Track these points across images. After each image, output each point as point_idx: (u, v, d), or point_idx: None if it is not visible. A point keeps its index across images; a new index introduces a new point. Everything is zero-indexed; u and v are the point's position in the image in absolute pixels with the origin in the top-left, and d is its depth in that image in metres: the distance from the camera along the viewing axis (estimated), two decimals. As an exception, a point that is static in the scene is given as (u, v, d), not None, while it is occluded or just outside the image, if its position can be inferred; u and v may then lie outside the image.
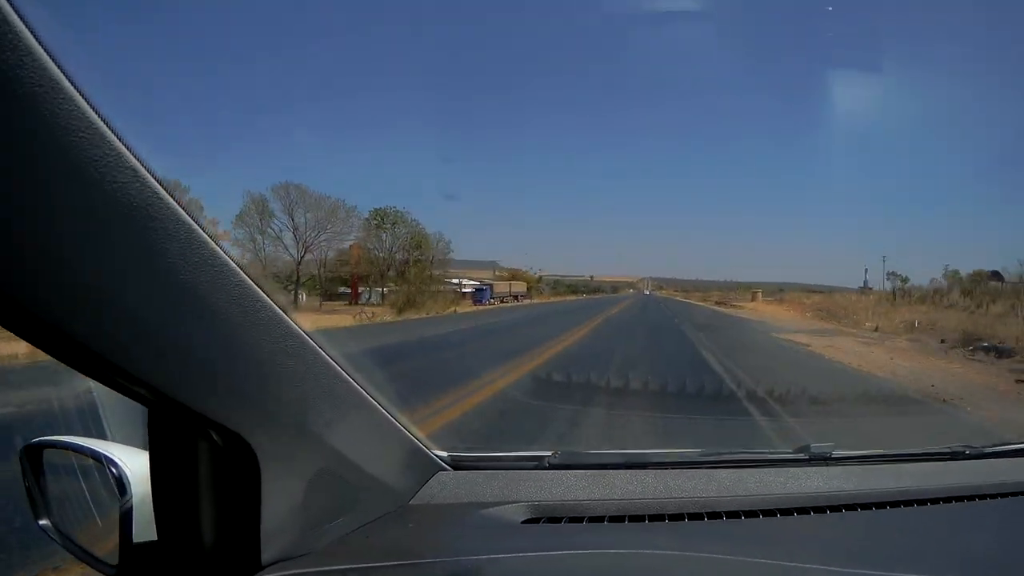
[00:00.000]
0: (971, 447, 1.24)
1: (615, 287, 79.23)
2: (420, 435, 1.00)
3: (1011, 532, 0.99)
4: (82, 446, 0.82)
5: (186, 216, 0.51)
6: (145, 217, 0.48)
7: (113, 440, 0.85)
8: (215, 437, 0.65)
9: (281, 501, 0.71)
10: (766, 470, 1.12)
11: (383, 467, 0.91)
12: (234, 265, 0.56)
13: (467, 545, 0.85)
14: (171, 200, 0.50)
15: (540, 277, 51.37)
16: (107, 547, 0.75)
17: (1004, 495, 1.10)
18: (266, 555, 0.70)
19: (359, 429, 0.85)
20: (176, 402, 0.57)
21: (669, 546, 0.85)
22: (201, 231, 0.52)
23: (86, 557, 0.78)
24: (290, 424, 0.71)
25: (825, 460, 1.15)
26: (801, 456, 1.15)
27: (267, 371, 0.64)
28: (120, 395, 0.56)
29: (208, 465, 0.67)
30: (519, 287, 41.79)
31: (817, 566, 0.76)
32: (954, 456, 1.23)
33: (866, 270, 41.49)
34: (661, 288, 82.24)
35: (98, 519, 0.80)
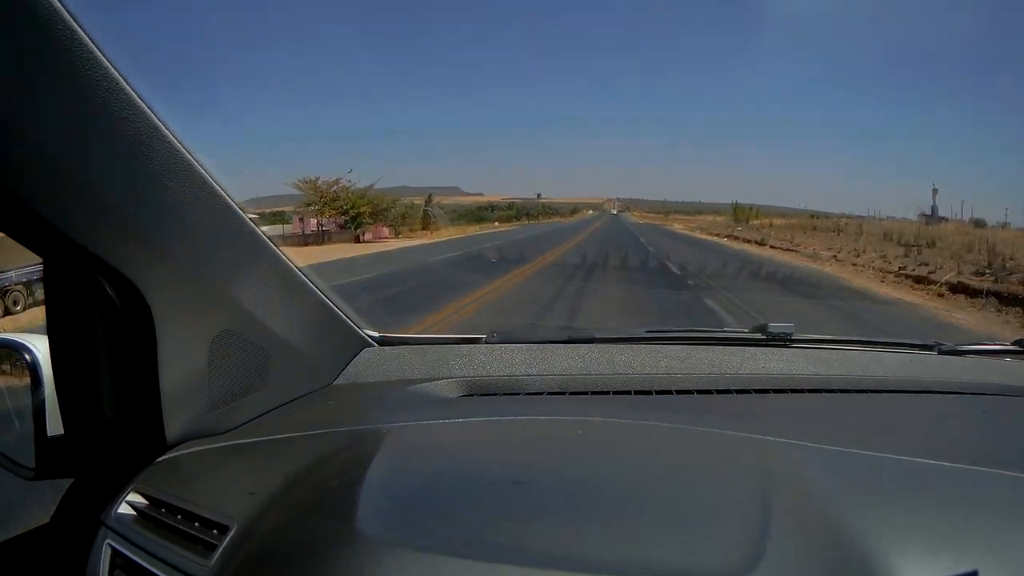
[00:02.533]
0: (942, 344, 1.21)
1: (576, 208, 62.05)
2: (345, 307, 0.95)
3: (977, 425, 0.95)
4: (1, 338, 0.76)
5: (99, 53, 0.51)
6: (54, 48, 0.47)
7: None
8: (109, 291, 0.61)
9: (182, 365, 0.66)
10: (720, 348, 1.08)
11: (301, 337, 0.85)
12: (127, 86, 0.54)
13: (393, 417, 0.81)
14: (83, 34, 0.49)
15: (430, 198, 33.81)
16: (29, 449, 0.68)
17: (975, 393, 1.04)
18: (171, 432, 0.67)
19: (269, 286, 0.78)
20: (63, 240, 0.54)
21: (613, 415, 0.80)
22: (110, 66, 0.52)
23: (4, 461, 0.72)
24: (184, 264, 0.65)
25: (785, 342, 1.11)
26: (758, 336, 1.11)
27: (154, 194, 0.59)
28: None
29: (103, 330, 0.62)
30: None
31: (782, 439, 0.71)
32: (924, 348, 1.20)
33: (935, 189, 29.57)
34: (629, 209, 65.27)
35: (15, 421, 0.73)
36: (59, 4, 0.48)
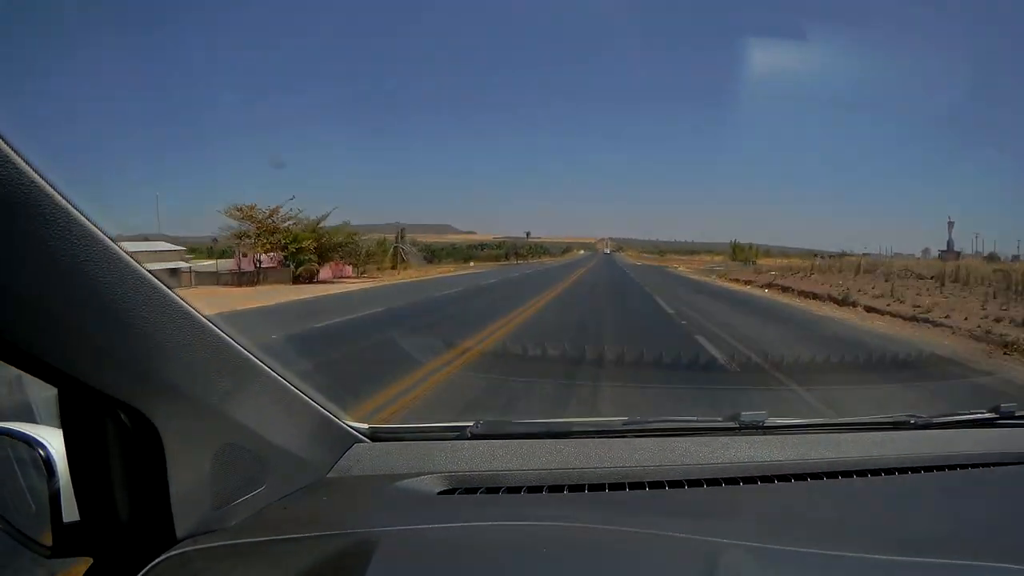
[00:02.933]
0: (917, 416, 1.20)
1: (567, 248, 58.28)
2: (332, 407, 1.00)
3: (953, 504, 0.98)
4: (12, 430, 0.83)
5: (61, 199, 0.54)
6: (23, 203, 0.52)
7: (42, 423, 0.85)
8: (122, 416, 0.68)
9: (188, 475, 0.73)
10: (693, 439, 1.10)
11: (294, 440, 0.91)
12: (108, 241, 0.59)
13: (379, 517, 0.87)
14: (45, 185, 0.53)
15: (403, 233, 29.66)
16: (44, 529, 0.76)
17: (950, 467, 1.07)
18: (180, 529, 0.73)
19: (262, 401, 0.85)
20: (75, 379, 0.61)
21: (585, 518, 0.85)
22: (75, 211, 0.56)
23: (24, 540, 0.79)
24: (186, 396, 0.72)
25: (757, 428, 1.12)
26: (731, 424, 1.13)
27: (152, 342, 0.66)
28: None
29: (117, 444, 0.69)
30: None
31: (741, 541, 0.75)
32: (897, 426, 1.20)
33: (951, 223, 25.18)
34: (622, 249, 61.82)
35: (31, 503, 0.80)
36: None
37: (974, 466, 1.08)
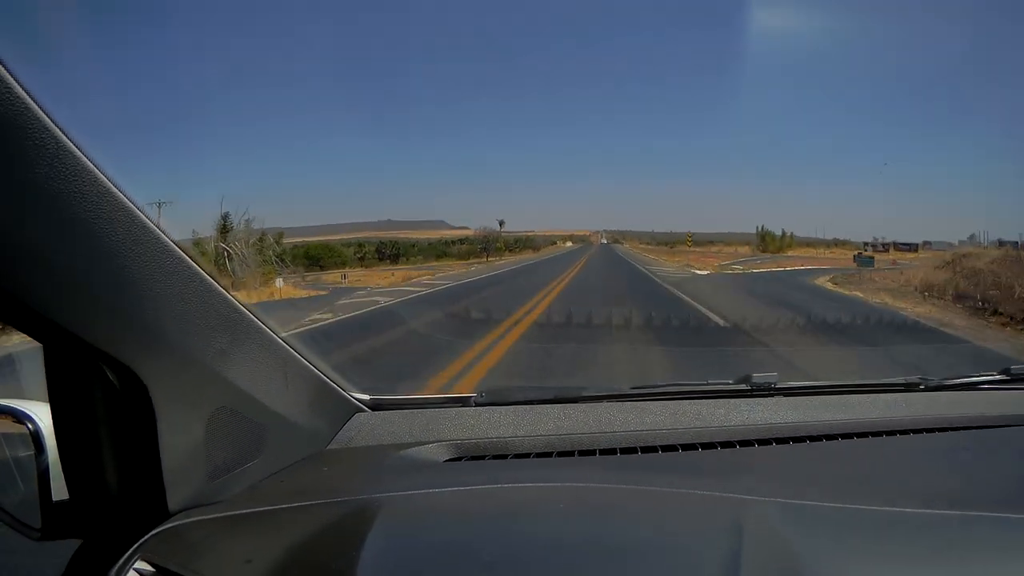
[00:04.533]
0: (926, 379, 1.21)
1: (553, 241, 48.76)
2: (334, 375, 0.97)
3: (969, 463, 0.97)
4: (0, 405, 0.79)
5: (57, 130, 0.52)
6: (14, 128, 0.49)
7: (31, 398, 0.80)
8: (109, 376, 0.65)
9: (180, 441, 0.70)
10: (705, 402, 1.09)
11: (293, 408, 0.88)
12: (98, 173, 0.56)
13: (383, 484, 0.84)
14: (42, 113, 0.50)
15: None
16: (34, 511, 0.71)
17: (964, 428, 1.08)
18: (172, 502, 0.69)
19: (259, 363, 0.81)
20: (59, 330, 0.58)
21: (598, 479, 0.83)
22: (66, 138, 0.53)
23: (11, 521, 0.75)
24: (178, 351, 0.68)
25: (768, 391, 1.12)
26: (742, 387, 1.13)
27: (142, 288, 0.62)
28: (35, 353, 0.61)
29: (105, 408, 0.66)
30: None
31: (757, 497, 0.73)
32: (909, 387, 1.20)
33: None
34: (619, 241, 51.99)
35: (20, 482, 0.76)
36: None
37: (987, 427, 1.09)
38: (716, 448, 0.96)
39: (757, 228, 35.99)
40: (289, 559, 0.64)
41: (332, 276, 20.00)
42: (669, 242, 46.71)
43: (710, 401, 1.08)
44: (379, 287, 15.63)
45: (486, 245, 35.97)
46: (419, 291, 13.15)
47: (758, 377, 1.11)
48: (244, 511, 0.72)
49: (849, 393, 1.16)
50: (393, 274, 21.24)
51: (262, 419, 0.80)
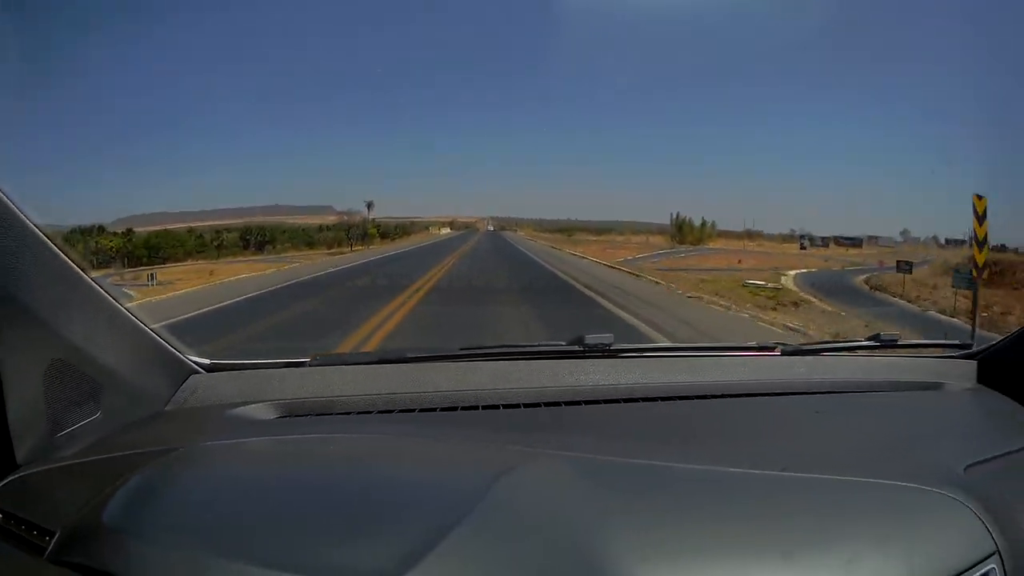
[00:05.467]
0: (785, 344, 1.23)
1: (426, 227, 41.05)
2: (170, 338, 1.00)
3: (806, 427, 0.98)
4: None
5: None
6: None
7: None
8: None
9: (21, 393, 0.73)
10: (536, 362, 1.10)
11: (129, 367, 0.92)
12: None
13: (208, 438, 0.87)
14: None
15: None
16: None
17: (813, 392, 1.09)
18: (19, 454, 0.74)
19: (93, 321, 0.85)
20: None
21: (406, 432, 0.87)
22: None
23: None
24: (12, 302, 0.72)
25: (603, 353, 1.13)
26: (575, 348, 1.12)
27: None
28: None
29: None
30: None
31: (550, 451, 0.75)
32: (765, 350, 1.21)
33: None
34: (514, 229, 45.67)
35: None
36: None
37: (843, 392, 1.10)
38: (539, 407, 0.98)
39: (672, 216, 31.11)
40: (114, 501, 0.67)
41: (165, 272, 16.78)
42: (567, 229, 41.24)
43: (541, 362, 1.09)
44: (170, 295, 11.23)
45: (350, 232, 31.93)
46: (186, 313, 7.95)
47: (591, 338, 1.11)
48: (82, 460, 0.77)
49: (698, 356, 1.17)
50: (212, 273, 16.50)
51: (98, 376, 0.84)
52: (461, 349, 1.09)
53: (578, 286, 11.20)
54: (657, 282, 13.02)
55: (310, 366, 1.05)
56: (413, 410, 0.96)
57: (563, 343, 1.11)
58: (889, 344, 1.21)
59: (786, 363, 1.17)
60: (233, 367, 1.05)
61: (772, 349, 1.18)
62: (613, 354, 1.11)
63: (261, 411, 0.95)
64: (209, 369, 1.03)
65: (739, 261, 18.81)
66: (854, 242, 21.57)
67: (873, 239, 21.44)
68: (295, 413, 0.95)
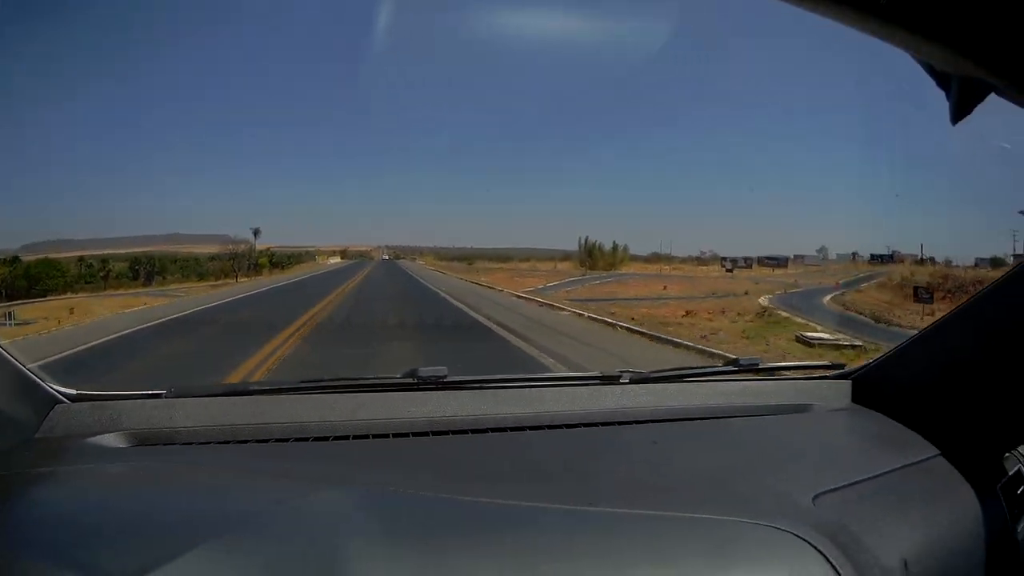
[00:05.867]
0: (634, 372, 1.20)
1: (313, 256, 37.17)
2: (34, 368, 1.02)
3: (636, 457, 0.95)
4: None
5: None
6: None
7: None
8: None
9: None
10: (369, 395, 1.11)
11: None
12: None
13: (62, 470, 0.89)
14: None
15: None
16: None
17: (657, 420, 1.07)
18: None
19: None
20: None
21: (232, 464, 0.90)
22: None
23: None
24: None
25: (436, 385, 1.13)
26: (408, 381, 1.13)
27: None
28: None
29: None
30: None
31: (362, 485, 0.78)
32: (608, 381, 1.18)
33: None
34: (412, 257, 43.21)
35: None
36: None
37: (692, 419, 1.08)
38: (368, 438, 0.99)
39: (580, 241, 29.57)
40: None
41: (32, 309, 15.71)
42: (467, 258, 38.73)
43: (377, 395, 1.10)
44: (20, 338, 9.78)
45: (235, 261, 30.33)
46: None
47: (425, 371, 1.11)
48: None
49: (537, 387, 1.15)
50: (70, 312, 14.55)
51: None
52: (302, 382, 1.10)
53: (499, 329, 8.68)
54: (608, 322, 10.62)
55: (166, 397, 1.07)
56: (248, 441, 0.98)
57: (398, 376, 1.12)
58: (749, 368, 1.22)
59: (632, 392, 1.15)
60: (96, 397, 1.06)
61: (617, 378, 1.16)
62: (447, 386, 1.11)
63: (116, 440, 0.98)
64: (74, 399, 1.05)
65: (664, 288, 17.14)
66: (779, 262, 21.17)
67: (799, 258, 21.19)
68: (146, 442, 0.98)
